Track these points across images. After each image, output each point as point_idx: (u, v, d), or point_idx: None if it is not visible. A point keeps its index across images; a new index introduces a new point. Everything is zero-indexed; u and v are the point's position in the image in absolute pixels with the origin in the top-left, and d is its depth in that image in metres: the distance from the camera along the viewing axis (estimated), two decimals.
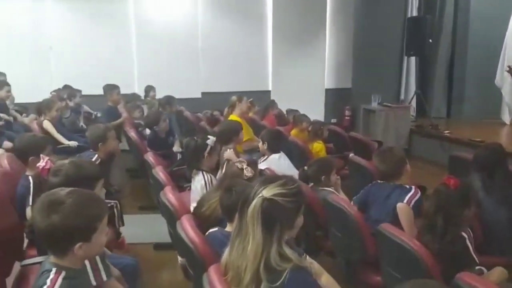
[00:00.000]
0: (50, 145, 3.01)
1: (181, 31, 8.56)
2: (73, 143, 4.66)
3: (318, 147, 5.16)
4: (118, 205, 3.47)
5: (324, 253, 3.26)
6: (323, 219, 3.00)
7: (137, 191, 5.21)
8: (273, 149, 4.06)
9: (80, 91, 6.10)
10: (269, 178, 1.65)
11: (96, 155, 3.47)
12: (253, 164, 2.64)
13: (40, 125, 4.81)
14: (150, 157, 3.68)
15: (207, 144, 3.33)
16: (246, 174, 2.52)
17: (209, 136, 3.40)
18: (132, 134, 4.71)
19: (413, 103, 8.34)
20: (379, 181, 2.98)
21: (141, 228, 4.15)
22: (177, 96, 7.14)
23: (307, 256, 1.88)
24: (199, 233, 2.11)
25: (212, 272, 1.71)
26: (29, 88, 7.08)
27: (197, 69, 8.73)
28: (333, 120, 8.96)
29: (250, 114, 6.35)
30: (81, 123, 5.87)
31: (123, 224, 3.53)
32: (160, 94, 6.84)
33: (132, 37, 8.44)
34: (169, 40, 8.44)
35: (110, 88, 5.67)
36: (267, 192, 1.55)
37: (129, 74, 8.39)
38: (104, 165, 3.51)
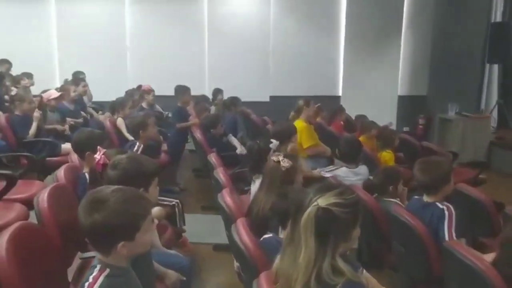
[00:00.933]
0: (107, 141, 3.08)
1: (253, 32, 8.60)
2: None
3: (387, 156, 4.93)
4: (180, 205, 3.50)
5: (387, 267, 3.10)
6: (386, 232, 2.85)
7: (202, 191, 5.27)
8: (347, 160, 3.87)
9: (153, 91, 6.29)
10: (326, 186, 1.56)
11: (137, 144, 3.52)
12: (291, 156, 2.55)
13: (114, 123, 5.01)
14: (213, 158, 3.69)
15: (270, 148, 3.28)
16: (283, 165, 2.44)
17: (272, 140, 3.36)
18: (198, 135, 4.77)
19: (494, 113, 7.81)
20: (415, 197, 2.81)
21: (202, 228, 4.17)
22: (245, 99, 7.21)
23: (364, 271, 1.78)
24: (253, 238, 2.07)
25: (263, 279, 1.66)
26: (106, 87, 7.45)
27: (267, 72, 8.73)
28: (406, 129, 8.58)
29: (318, 119, 6.23)
30: None
31: (184, 224, 3.57)
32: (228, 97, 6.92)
33: (205, 38, 8.60)
34: (241, 42, 8.52)
35: (181, 89, 5.79)
36: (322, 201, 1.47)
37: (200, 75, 8.57)
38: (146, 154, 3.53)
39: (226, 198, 2.60)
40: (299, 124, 5.02)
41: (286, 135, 3.66)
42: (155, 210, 2.94)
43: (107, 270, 1.47)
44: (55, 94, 5.44)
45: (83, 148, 2.84)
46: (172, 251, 2.72)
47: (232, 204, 2.53)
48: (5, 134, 4.51)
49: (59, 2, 8.22)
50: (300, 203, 1.52)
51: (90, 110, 6.48)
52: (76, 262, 2.41)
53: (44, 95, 5.42)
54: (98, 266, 1.49)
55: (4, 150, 4.31)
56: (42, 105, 5.26)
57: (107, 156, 2.30)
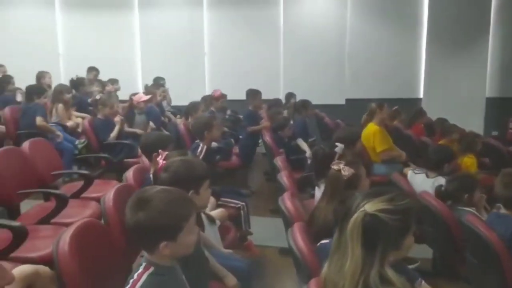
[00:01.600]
0: (173, 144, 3.15)
1: (329, 35, 8.50)
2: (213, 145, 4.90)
3: (468, 162, 4.62)
4: (246, 207, 3.52)
5: (461, 279, 2.89)
6: (459, 242, 2.65)
7: (271, 194, 5.26)
8: (431, 168, 3.66)
9: (225, 95, 6.42)
10: (375, 191, 1.47)
11: (201, 145, 3.56)
12: (353, 163, 2.43)
13: (187, 126, 5.16)
14: (279, 161, 3.67)
15: (335, 152, 3.19)
16: (344, 174, 2.33)
17: (337, 144, 3.26)
18: (267, 138, 4.78)
19: None
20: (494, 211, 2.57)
21: (270, 232, 4.15)
22: (320, 102, 7.11)
23: (423, 282, 1.66)
24: (308, 243, 2.01)
25: (312, 285, 1.61)
26: (184, 92, 7.73)
27: (343, 74, 8.57)
28: (494, 133, 8.01)
29: (395, 122, 6.00)
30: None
31: (249, 226, 3.58)
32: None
33: (280, 42, 8.62)
34: (316, 44, 8.44)
35: (252, 93, 5.85)
36: (370, 206, 1.39)
37: (275, 79, 8.61)
38: (210, 155, 3.57)
39: (286, 202, 2.57)
40: (372, 127, 4.86)
41: (350, 140, 3.54)
42: (218, 211, 2.99)
43: (152, 268, 1.50)
44: (144, 97, 5.70)
45: (150, 150, 2.95)
46: (232, 253, 2.72)
47: (291, 208, 2.49)
48: (89, 136, 4.82)
49: (142, 11, 8.65)
50: (347, 208, 1.46)
51: (168, 114, 6.74)
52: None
53: (134, 97, 5.70)
54: (144, 264, 1.52)
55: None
56: (132, 107, 5.57)
57: (168, 158, 2.37)
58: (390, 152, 4.83)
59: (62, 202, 2.97)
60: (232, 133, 5.93)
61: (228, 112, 6.86)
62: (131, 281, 1.47)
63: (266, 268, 3.57)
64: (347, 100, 8.49)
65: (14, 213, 3.13)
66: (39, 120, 4.74)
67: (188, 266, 1.88)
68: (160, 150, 2.43)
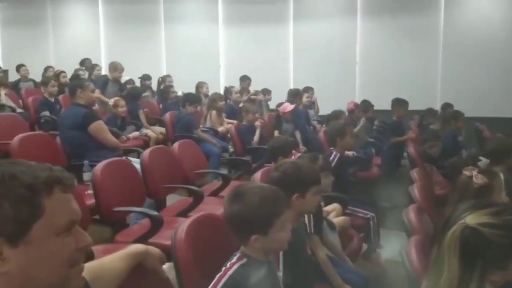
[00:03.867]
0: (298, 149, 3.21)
1: (496, 40, 7.68)
2: (351, 153, 4.82)
3: None
4: (375, 219, 3.40)
5: None
6: None
7: None
8: None
9: (372, 105, 6.26)
10: (481, 202, 1.32)
11: (334, 152, 3.49)
12: (489, 173, 2.14)
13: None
14: (414, 172, 3.46)
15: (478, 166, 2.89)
16: (476, 182, 2.08)
17: (480, 158, 2.95)
18: (411, 149, 4.53)
19: None
20: None
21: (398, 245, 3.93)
22: (487, 115, 6.49)
23: None
24: (420, 256, 1.87)
25: None
26: (334, 102, 7.72)
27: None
28: None
29: None
30: (368, 137, 6.01)
31: (378, 239, 3.43)
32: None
33: (438, 50, 8.10)
34: (481, 51, 7.72)
35: (397, 102, 5.60)
36: (471, 219, 1.25)
37: (431, 88, 8.10)
38: (343, 163, 3.47)
39: (410, 214, 2.42)
40: None
41: (501, 154, 3.13)
42: (340, 219, 2.94)
43: (244, 259, 1.57)
44: (289, 107, 5.91)
45: (277, 153, 3.06)
46: (352, 266, 2.65)
47: (413, 221, 2.33)
48: (234, 141, 5.17)
49: (296, 22, 8.94)
50: (447, 218, 1.33)
51: (314, 123, 6.82)
52: None
53: (279, 108, 5.96)
54: (238, 255, 1.60)
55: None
56: (279, 116, 5.83)
57: None
58: None
59: (198, 198, 3.24)
60: (375, 143, 5.75)
61: (376, 122, 6.66)
62: (223, 268, 1.56)
63: (393, 284, 3.38)
64: None
65: (160, 205, 3.51)
66: (197, 131, 5.24)
67: (296, 267, 1.91)
68: (293, 151, 2.51)
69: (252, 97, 6.83)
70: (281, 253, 1.93)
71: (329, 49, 8.64)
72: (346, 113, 5.89)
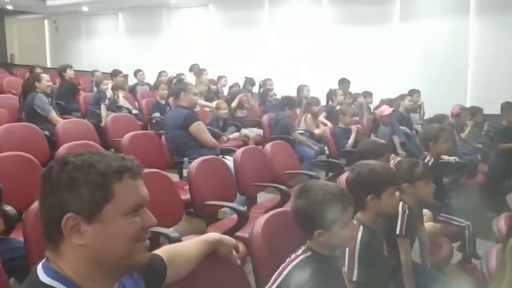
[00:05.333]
0: (389, 153, 3.12)
1: None
2: (452, 159, 4.57)
3: None
4: (471, 228, 3.22)
5: None
6: None
7: None
8: None
9: (481, 109, 5.86)
10: None
11: (428, 157, 3.34)
12: None
13: None
14: None
15: None
16: None
17: None
18: None
19: None
20: None
21: None
22: None
23: None
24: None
25: None
26: (443, 105, 7.32)
27: None
28: None
29: None
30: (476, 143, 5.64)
31: (474, 249, 3.24)
32: None
33: None
34: None
35: (507, 107, 5.18)
36: None
37: None
38: (438, 169, 3.31)
39: (499, 222, 2.29)
40: None
41: None
42: (428, 225, 2.85)
43: (309, 253, 1.64)
44: (387, 110, 5.80)
45: (365, 156, 3.04)
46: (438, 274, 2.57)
47: (502, 230, 2.21)
48: (329, 143, 5.19)
49: (402, 22, 8.63)
50: None
51: (417, 127, 6.56)
52: None
53: (377, 111, 5.87)
54: (303, 248, 1.67)
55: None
56: (376, 120, 5.75)
57: (399, 165, 2.46)
58: None
59: (285, 197, 3.34)
60: (483, 149, 5.38)
61: (485, 127, 6.22)
62: (287, 260, 1.64)
63: None
64: None
65: (251, 202, 3.68)
66: (294, 134, 5.36)
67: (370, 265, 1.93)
68: (392, 155, 2.52)
69: (359, 100, 6.78)
70: (356, 252, 1.96)
71: (437, 50, 8.20)
72: (450, 118, 5.58)
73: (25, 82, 5.83)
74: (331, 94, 6.86)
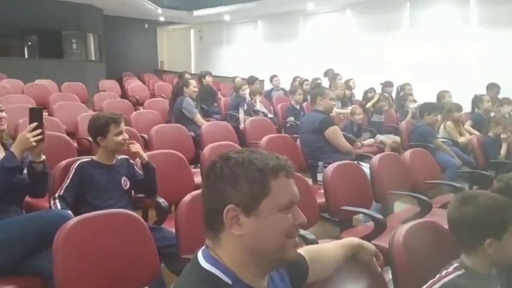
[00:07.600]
0: None
1: None
2: None
3: None
4: None
5: None
6: None
7: None
8: None
9: None
10: None
11: None
12: None
13: None
14: None
15: None
16: None
17: None
18: None
19: None
20: None
21: None
22: None
23: None
24: None
25: None
26: None
27: None
28: None
29: None
30: None
31: None
32: None
33: None
34: None
35: None
36: None
37: None
38: None
39: None
40: None
41: None
42: None
43: (462, 270, 1.51)
44: None
45: None
46: None
47: None
48: (476, 154, 4.79)
49: None
50: None
51: None
52: None
53: None
54: (455, 264, 1.54)
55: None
56: None
57: None
58: None
59: (426, 208, 3.15)
60: None
61: None
62: (437, 276, 1.53)
63: None
64: None
65: (387, 210, 3.55)
66: (435, 142, 5.04)
67: None
68: None
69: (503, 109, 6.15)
70: None
71: None
72: None
73: (174, 86, 6.38)
74: (477, 101, 6.33)
